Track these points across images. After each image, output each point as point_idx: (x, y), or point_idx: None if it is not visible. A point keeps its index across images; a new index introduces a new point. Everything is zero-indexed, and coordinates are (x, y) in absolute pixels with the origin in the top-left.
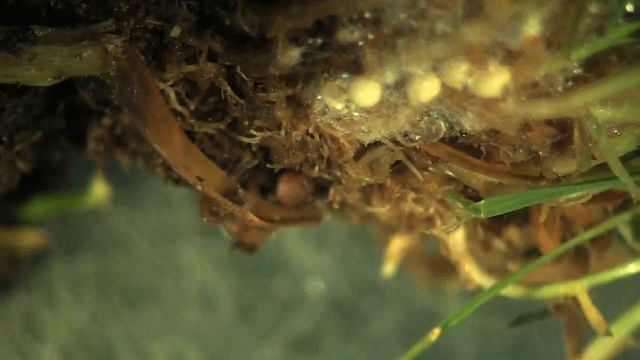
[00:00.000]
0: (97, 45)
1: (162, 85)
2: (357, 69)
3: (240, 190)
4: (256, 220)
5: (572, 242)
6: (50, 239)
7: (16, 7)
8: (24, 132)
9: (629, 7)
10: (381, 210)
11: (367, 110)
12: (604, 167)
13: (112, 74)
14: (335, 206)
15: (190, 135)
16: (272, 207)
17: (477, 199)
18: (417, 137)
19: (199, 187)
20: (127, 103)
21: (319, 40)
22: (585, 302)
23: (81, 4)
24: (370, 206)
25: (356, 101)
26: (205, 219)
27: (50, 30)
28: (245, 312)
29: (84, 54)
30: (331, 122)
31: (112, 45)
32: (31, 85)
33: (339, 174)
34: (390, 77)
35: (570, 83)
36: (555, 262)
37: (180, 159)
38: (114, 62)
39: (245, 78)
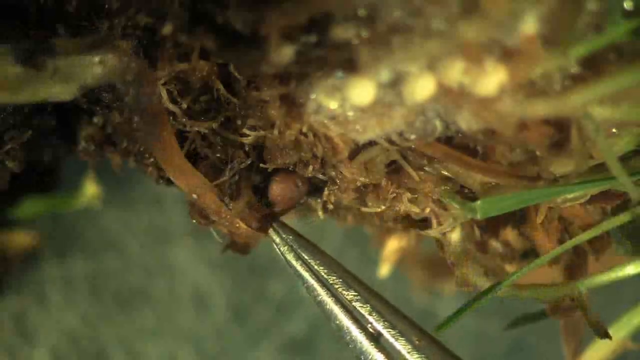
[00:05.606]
0: (115, 50)
1: None
2: (351, 68)
3: (226, 198)
4: (243, 227)
5: (570, 243)
6: (41, 239)
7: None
8: (14, 131)
9: (628, 5)
10: (376, 210)
11: (362, 109)
12: (602, 167)
13: (129, 78)
14: (330, 206)
15: (182, 134)
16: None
17: (474, 199)
18: (412, 137)
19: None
20: (139, 109)
21: (313, 38)
22: (583, 304)
23: (71, 1)
24: (365, 206)
25: (350, 100)
26: (195, 221)
27: (68, 41)
28: (239, 313)
29: (106, 61)
30: (325, 121)
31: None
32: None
33: (333, 173)
34: (385, 75)
35: (568, 82)
36: (553, 263)
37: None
38: (133, 66)
39: (238, 76)
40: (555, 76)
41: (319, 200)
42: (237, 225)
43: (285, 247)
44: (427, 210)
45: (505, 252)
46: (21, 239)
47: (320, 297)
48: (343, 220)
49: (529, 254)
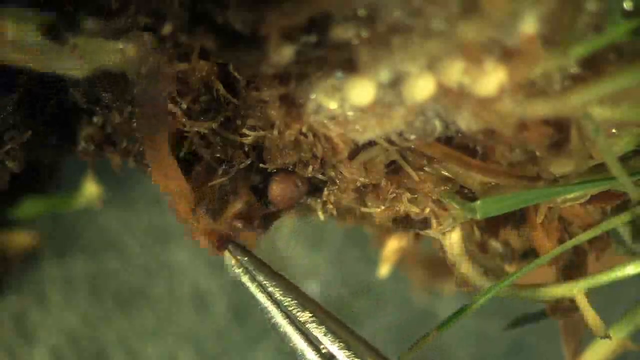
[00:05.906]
0: (137, 40)
1: None
2: (351, 68)
3: (198, 209)
4: (204, 241)
5: (569, 243)
6: (41, 239)
7: None
8: (14, 131)
9: (628, 5)
10: (376, 210)
11: (362, 110)
12: (602, 167)
13: (143, 71)
14: (330, 207)
15: (181, 134)
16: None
17: (474, 199)
18: (412, 137)
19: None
20: (143, 102)
21: (313, 38)
22: (583, 304)
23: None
24: (365, 207)
25: (350, 100)
26: (179, 221)
27: (94, 22)
28: (239, 314)
29: (126, 50)
30: (325, 122)
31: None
32: (67, 76)
33: (333, 174)
34: (384, 75)
35: (567, 82)
36: (553, 263)
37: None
38: (150, 59)
39: (238, 76)
40: (555, 76)
41: (319, 200)
42: (199, 238)
43: (241, 269)
44: (427, 210)
45: (505, 252)
46: (21, 239)
47: (274, 319)
48: (343, 220)
49: (529, 254)
